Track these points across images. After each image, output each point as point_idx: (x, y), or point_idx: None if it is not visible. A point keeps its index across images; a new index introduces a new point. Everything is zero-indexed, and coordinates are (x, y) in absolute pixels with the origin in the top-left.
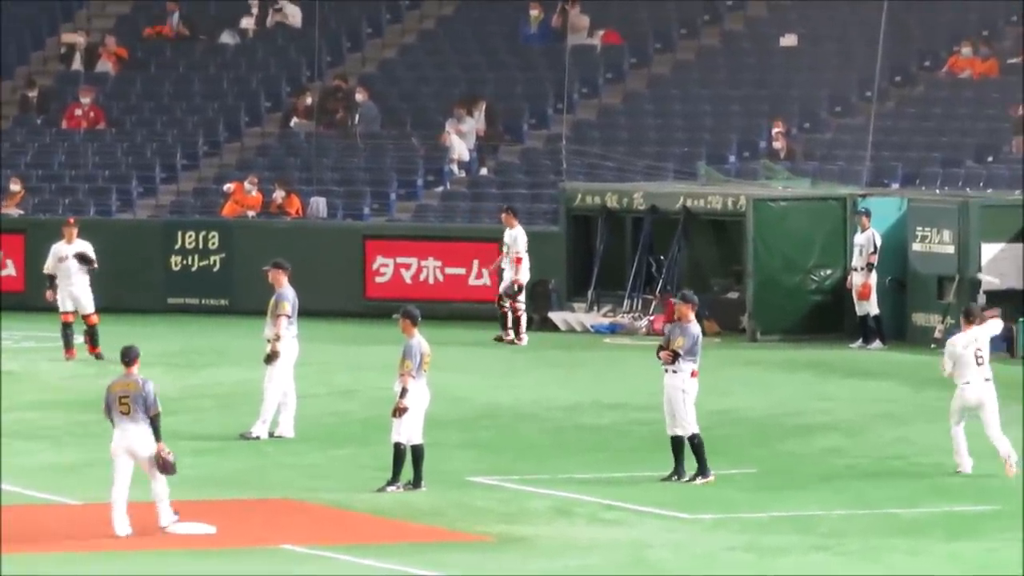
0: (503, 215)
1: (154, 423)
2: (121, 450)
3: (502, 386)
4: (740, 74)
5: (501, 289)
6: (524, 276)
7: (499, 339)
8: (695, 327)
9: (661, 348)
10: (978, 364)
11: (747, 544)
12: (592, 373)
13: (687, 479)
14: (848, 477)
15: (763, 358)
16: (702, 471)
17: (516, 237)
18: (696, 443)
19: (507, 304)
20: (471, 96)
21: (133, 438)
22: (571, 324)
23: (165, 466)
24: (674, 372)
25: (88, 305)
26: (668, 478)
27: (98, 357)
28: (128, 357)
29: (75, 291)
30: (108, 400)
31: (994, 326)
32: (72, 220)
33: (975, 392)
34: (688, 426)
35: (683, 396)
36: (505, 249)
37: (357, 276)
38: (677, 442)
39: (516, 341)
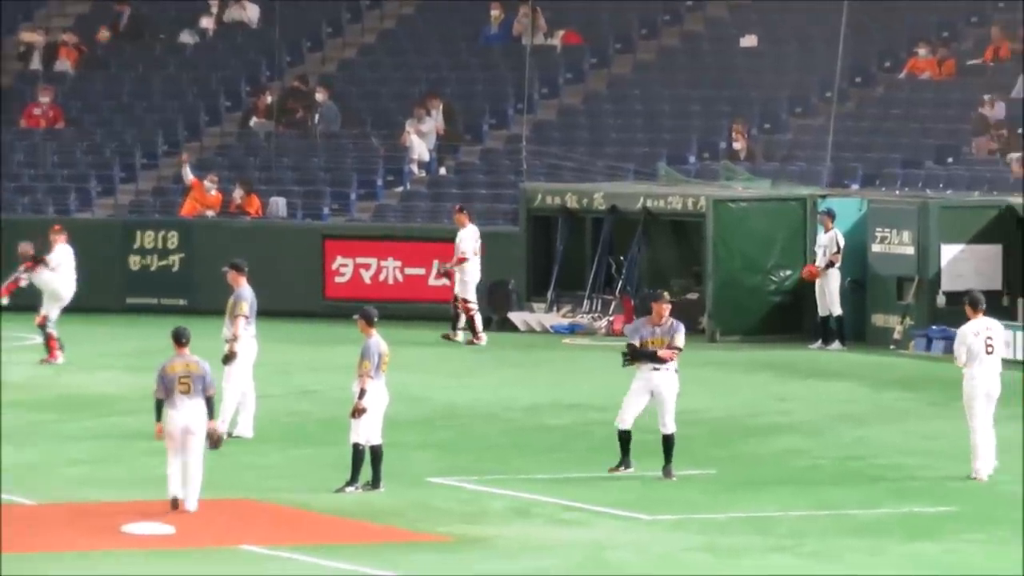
0: (456, 215)
1: (210, 402)
2: (179, 429)
3: (461, 386)
4: (700, 75)
5: (455, 289)
6: (472, 276)
7: (446, 337)
8: (681, 323)
9: (637, 348)
10: (988, 353)
11: (706, 545)
12: (552, 373)
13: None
14: (807, 478)
15: (723, 359)
16: (668, 467)
17: (463, 237)
18: (673, 440)
19: (459, 304)
20: (428, 94)
21: (193, 416)
22: (531, 324)
23: (218, 441)
24: (667, 370)
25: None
26: (616, 468)
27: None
28: (184, 338)
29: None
30: (165, 381)
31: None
32: (59, 227)
33: (984, 382)
34: (672, 423)
35: (674, 392)
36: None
37: (316, 276)
38: (626, 436)
39: (474, 340)
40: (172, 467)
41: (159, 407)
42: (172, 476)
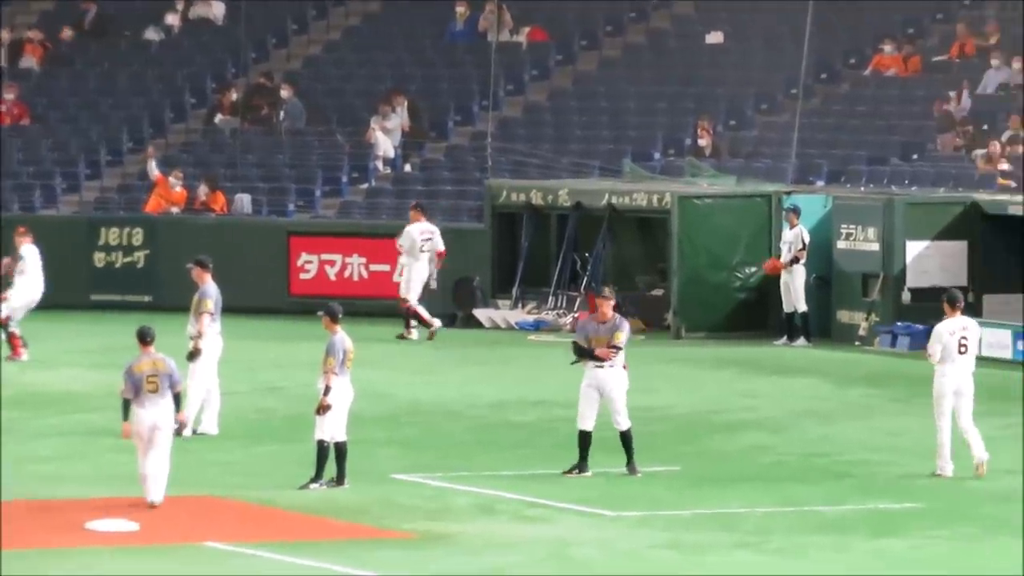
0: (410, 211)
1: (177, 398)
2: (147, 427)
3: (426, 383)
4: (666, 72)
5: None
6: (417, 274)
7: (401, 337)
8: (626, 320)
9: (582, 345)
10: (961, 352)
11: (671, 541)
12: (516, 370)
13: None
14: (773, 474)
15: (688, 355)
16: (631, 463)
17: (405, 232)
18: (630, 436)
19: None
20: (393, 91)
21: (161, 414)
22: (495, 321)
23: (179, 428)
24: (611, 367)
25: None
26: (570, 471)
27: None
28: (150, 336)
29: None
30: (134, 381)
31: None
32: (23, 228)
33: (954, 380)
34: (625, 420)
35: (621, 389)
36: (421, 245)
37: (281, 273)
38: (586, 437)
39: (405, 335)
40: (142, 465)
41: (127, 406)
42: (143, 476)
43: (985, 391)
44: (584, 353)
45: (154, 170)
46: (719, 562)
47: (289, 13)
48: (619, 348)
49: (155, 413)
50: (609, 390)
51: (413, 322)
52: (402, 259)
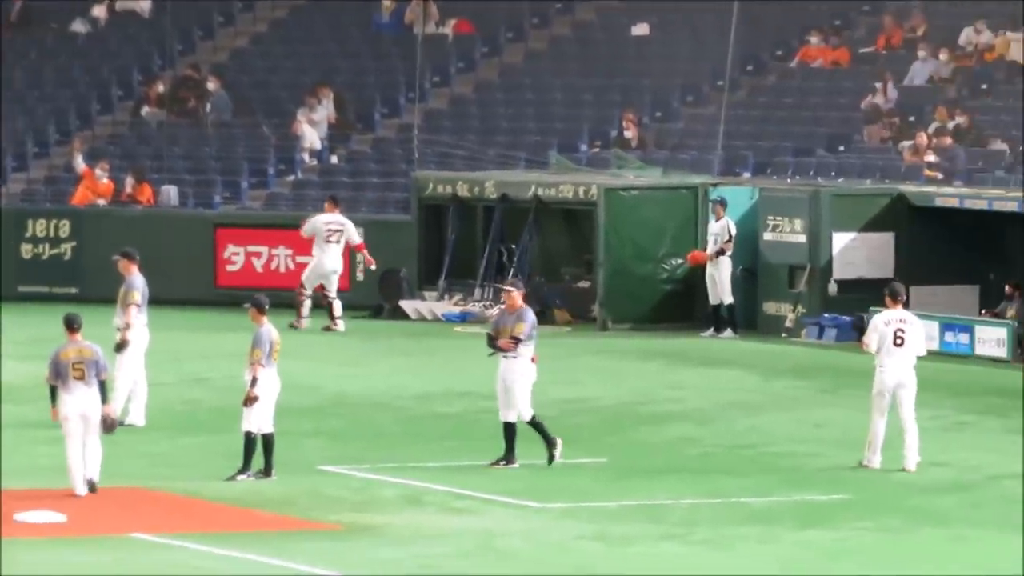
0: (326, 203)
1: (103, 386)
2: (76, 415)
3: (352, 375)
4: (592, 64)
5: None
6: (318, 263)
7: (327, 328)
8: (531, 312)
9: (493, 337)
10: (896, 345)
11: (597, 533)
12: (443, 362)
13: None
14: (699, 466)
15: (614, 347)
16: (551, 443)
17: (312, 221)
18: (537, 422)
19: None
20: (318, 83)
21: (88, 402)
22: (422, 313)
23: (112, 425)
24: (513, 358)
25: None
26: (497, 463)
27: None
28: (76, 324)
29: None
30: (59, 368)
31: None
32: None
33: (893, 374)
34: (526, 412)
35: (523, 381)
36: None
37: (208, 264)
38: (511, 428)
39: (295, 324)
40: (73, 451)
41: (53, 392)
42: (74, 462)
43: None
44: (491, 344)
45: (80, 164)
46: (645, 553)
47: (215, 6)
48: (518, 339)
49: (83, 401)
50: (510, 381)
51: (338, 314)
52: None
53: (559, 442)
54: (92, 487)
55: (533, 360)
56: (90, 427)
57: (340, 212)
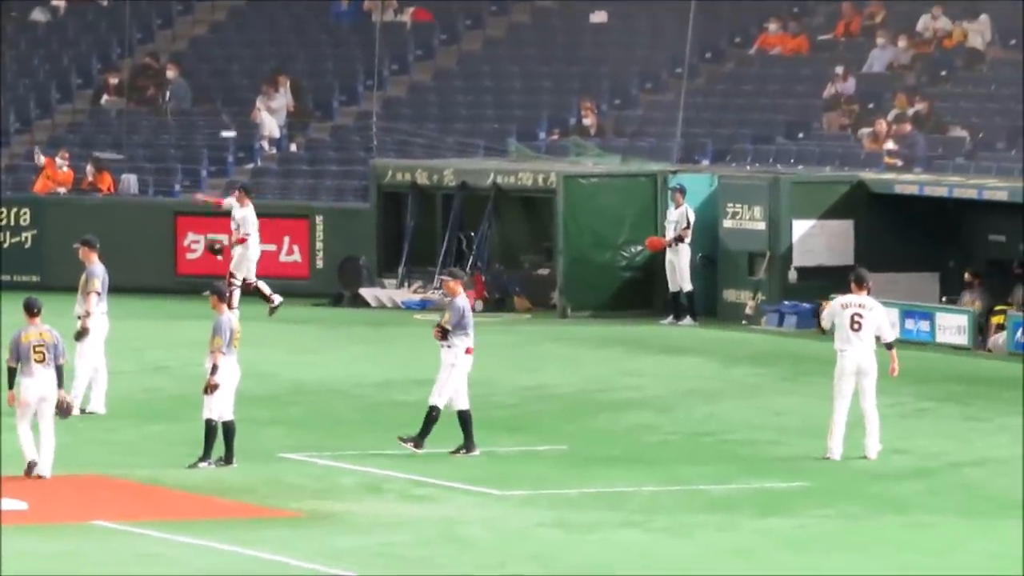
0: (236, 193)
1: (60, 371)
2: (34, 397)
3: (312, 363)
4: (550, 51)
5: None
6: (255, 254)
7: (273, 310)
8: (460, 301)
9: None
10: (853, 329)
11: (557, 520)
12: (403, 349)
13: (404, 438)
14: (659, 454)
15: (573, 334)
16: (418, 440)
17: (247, 217)
18: (432, 415)
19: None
20: (276, 72)
21: (46, 385)
22: (382, 300)
23: (68, 410)
24: (448, 347)
25: None
26: (457, 451)
27: None
28: (36, 308)
29: None
30: (20, 350)
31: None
32: None
33: (853, 359)
34: (437, 397)
35: (450, 370)
36: (235, 227)
37: (168, 252)
38: (465, 416)
39: (272, 304)
40: (24, 434)
41: (12, 375)
42: (26, 443)
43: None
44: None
45: (39, 157)
46: (604, 540)
47: None
48: (440, 327)
49: (42, 384)
50: (440, 371)
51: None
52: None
53: (477, 452)
54: (31, 468)
55: (468, 352)
56: (46, 411)
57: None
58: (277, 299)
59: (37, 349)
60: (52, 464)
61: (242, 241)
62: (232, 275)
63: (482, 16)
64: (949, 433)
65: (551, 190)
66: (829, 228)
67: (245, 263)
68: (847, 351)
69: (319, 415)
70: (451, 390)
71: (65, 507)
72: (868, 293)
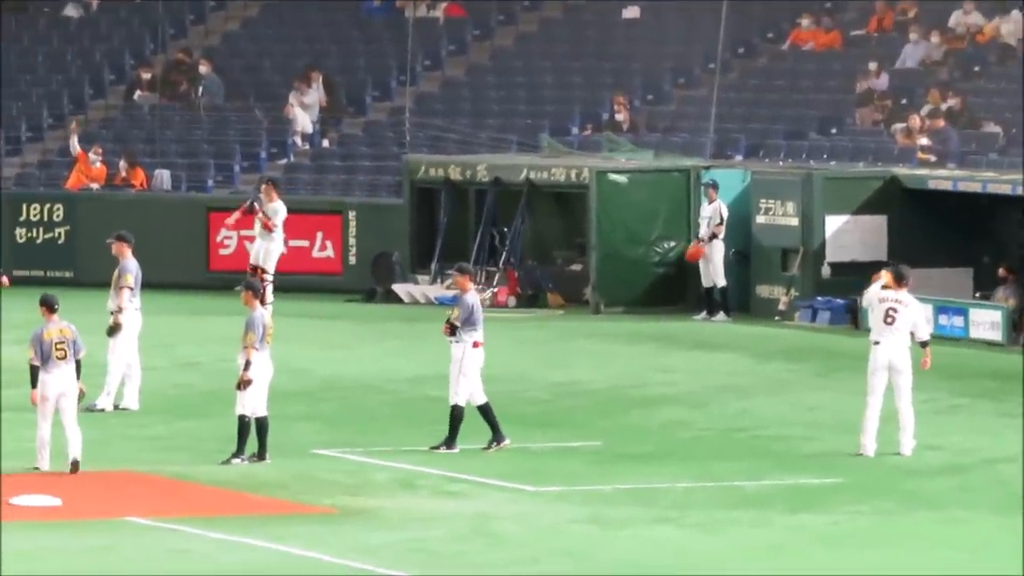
0: (263, 187)
1: (78, 365)
2: (54, 393)
3: (345, 358)
4: (583, 46)
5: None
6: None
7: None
8: (470, 297)
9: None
10: (886, 323)
11: (590, 516)
12: (435, 345)
13: (435, 446)
14: (692, 449)
15: (606, 330)
16: (449, 442)
17: (276, 210)
18: (455, 415)
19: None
20: (309, 67)
21: (67, 380)
22: (414, 296)
23: (81, 395)
24: (457, 343)
25: None
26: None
27: None
28: (56, 304)
29: None
30: (43, 348)
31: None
32: None
33: (885, 354)
34: (456, 396)
35: (457, 367)
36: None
37: (201, 248)
38: (485, 409)
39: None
40: (43, 435)
41: (35, 373)
42: (41, 446)
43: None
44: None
45: (76, 146)
46: (638, 536)
47: None
48: (448, 324)
49: (62, 379)
50: (451, 367)
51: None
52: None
53: (457, 449)
54: (75, 467)
55: (475, 345)
56: (68, 406)
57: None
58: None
59: (59, 346)
60: (81, 450)
61: (268, 227)
62: (263, 270)
63: (514, 11)
64: (983, 429)
65: (584, 185)
66: (862, 224)
67: (272, 256)
68: (880, 345)
69: (352, 411)
70: (467, 387)
71: (98, 503)
72: (907, 287)
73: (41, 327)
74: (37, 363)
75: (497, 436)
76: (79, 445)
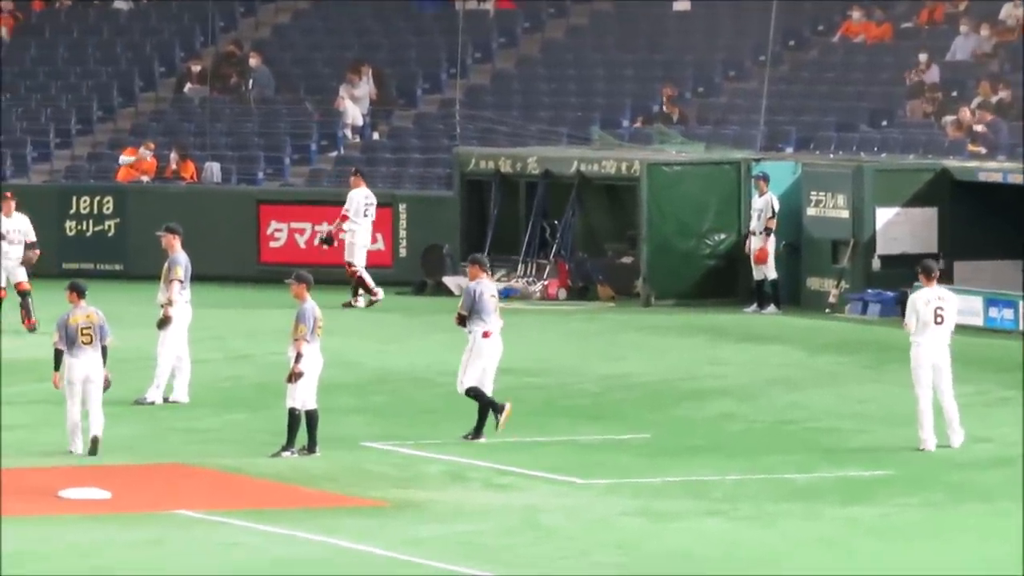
0: (351, 177)
1: (105, 351)
2: (80, 377)
3: (395, 351)
4: (633, 39)
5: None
6: (360, 239)
7: (347, 305)
8: (473, 285)
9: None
10: (937, 323)
11: (640, 509)
12: None
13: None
14: (742, 442)
15: (657, 323)
16: (476, 431)
17: (350, 197)
18: (473, 395)
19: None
20: (359, 60)
21: (94, 365)
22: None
23: (107, 386)
24: (469, 333)
25: (23, 275)
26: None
27: (32, 329)
28: (85, 289)
29: (11, 265)
30: (69, 332)
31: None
32: (9, 194)
33: (928, 351)
34: (461, 384)
35: (467, 355)
36: (365, 210)
37: (251, 241)
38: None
39: (372, 298)
40: (73, 414)
41: (59, 357)
42: (72, 428)
43: (956, 358)
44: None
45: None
46: (688, 529)
47: None
48: (460, 315)
49: (88, 364)
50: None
51: (360, 291)
52: (346, 224)
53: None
54: (95, 447)
55: (485, 335)
56: (93, 391)
57: (367, 186)
58: (379, 293)
59: (84, 331)
60: (102, 430)
61: (343, 218)
62: (350, 264)
63: (565, 4)
64: None
65: (635, 178)
66: (912, 216)
67: (353, 249)
68: (922, 343)
69: (402, 403)
70: (475, 372)
71: (148, 496)
72: (939, 282)
73: (67, 312)
74: (62, 347)
75: (477, 431)
76: (101, 426)
